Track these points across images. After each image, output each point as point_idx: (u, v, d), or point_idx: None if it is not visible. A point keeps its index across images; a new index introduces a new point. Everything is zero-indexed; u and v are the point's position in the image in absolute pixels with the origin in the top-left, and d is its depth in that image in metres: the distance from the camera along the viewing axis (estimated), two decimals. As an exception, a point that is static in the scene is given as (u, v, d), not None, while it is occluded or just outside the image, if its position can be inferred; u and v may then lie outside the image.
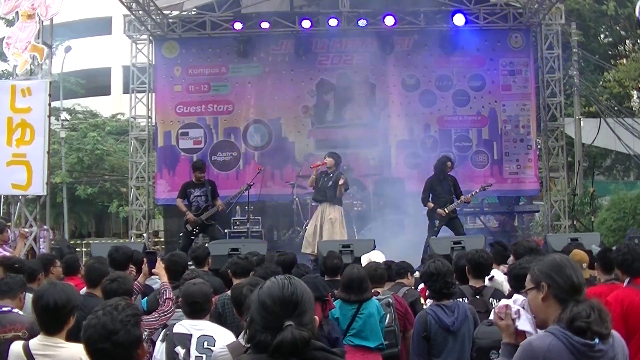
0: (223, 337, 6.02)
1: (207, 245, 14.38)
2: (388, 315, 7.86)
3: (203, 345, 5.96)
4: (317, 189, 15.05)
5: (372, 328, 7.54)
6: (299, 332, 3.13)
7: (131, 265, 9.20)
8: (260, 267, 8.53)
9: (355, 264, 8.88)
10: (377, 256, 10.11)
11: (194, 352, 5.96)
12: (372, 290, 8.13)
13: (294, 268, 9.14)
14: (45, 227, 14.66)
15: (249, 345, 3.28)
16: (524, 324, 4.29)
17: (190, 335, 6.06)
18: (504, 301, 4.58)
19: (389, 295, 8.15)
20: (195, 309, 6.22)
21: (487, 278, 7.88)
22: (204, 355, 5.92)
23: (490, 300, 7.51)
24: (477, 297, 7.53)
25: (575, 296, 3.87)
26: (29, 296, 7.16)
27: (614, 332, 3.91)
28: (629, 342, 6.07)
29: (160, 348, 6.22)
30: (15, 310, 6.54)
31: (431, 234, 15.06)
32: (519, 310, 4.32)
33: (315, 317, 3.34)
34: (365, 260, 10.16)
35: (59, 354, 5.00)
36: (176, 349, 6.03)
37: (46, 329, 5.13)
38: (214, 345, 5.86)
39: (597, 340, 3.71)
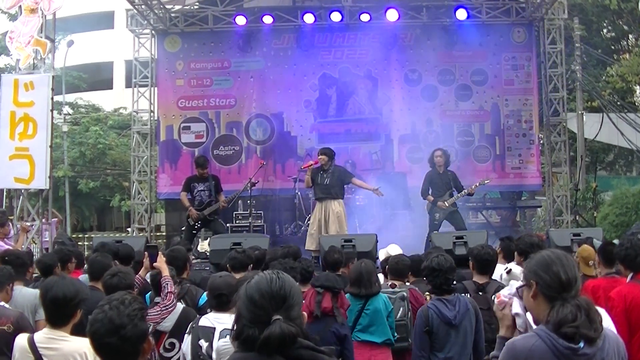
0: None
1: (208, 239, 14.44)
2: (401, 308, 7.91)
3: (225, 338, 5.99)
4: (317, 186, 14.93)
5: (378, 323, 7.57)
6: (287, 326, 3.13)
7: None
8: (278, 262, 8.51)
9: (364, 258, 8.83)
10: (394, 250, 10.11)
11: (216, 345, 6.02)
12: (390, 283, 8.18)
13: (296, 262, 9.15)
14: (53, 219, 14.71)
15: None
16: (516, 307, 4.32)
17: (214, 328, 6.15)
18: (501, 292, 4.60)
19: (405, 289, 8.17)
20: (222, 301, 6.31)
21: (504, 270, 7.87)
22: None
23: (493, 297, 7.49)
24: (480, 293, 7.52)
25: (563, 293, 3.76)
26: (16, 289, 7.18)
27: (608, 332, 3.82)
28: (632, 338, 6.07)
29: (187, 340, 6.29)
30: (2, 303, 6.55)
31: (432, 229, 15.07)
32: (511, 297, 4.35)
33: (304, 313, 3.34)
34: (382, 254, 10.19)
35: (63, 347, 5.02)
36: (200, 342, 6.12)
37: (53, 321, 5.15)
38: None
39: (581, 345, 3.61)
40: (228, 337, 5.97)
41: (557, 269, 3.84)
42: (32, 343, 5.09)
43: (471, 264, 7.87)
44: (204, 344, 6.07)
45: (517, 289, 4.35)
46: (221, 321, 6.16)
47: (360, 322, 7.55)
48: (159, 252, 7.73)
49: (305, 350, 3.19)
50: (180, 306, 7.19)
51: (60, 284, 5.16)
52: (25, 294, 7.20)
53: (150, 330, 6.16)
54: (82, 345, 4.75)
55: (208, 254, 13.73)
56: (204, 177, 15.74)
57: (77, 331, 5.07)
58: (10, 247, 11.37)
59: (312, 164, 15.05)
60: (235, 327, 3.27)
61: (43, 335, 5.12)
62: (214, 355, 5.97)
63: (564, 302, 3.72)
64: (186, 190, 15.89)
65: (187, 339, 6.29)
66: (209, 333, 6.12)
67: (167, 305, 6.95)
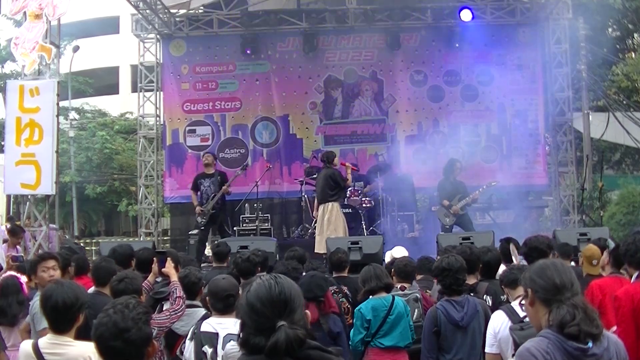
0: None
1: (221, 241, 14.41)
2: (416, 310, 7.89)
3: (232, 342, 5.86)
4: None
5: (402, 327, 7.53)
6: (292, 331, 3.08)
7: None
8: (281, 263, 8.51)
9: (374, 263, 8.78)
10: (399, 252, 10.08)
11: (220, 352, 5.89)
12: (399, 286, 8.16)
13: (305, 264, 9.15)
14: (53, 225, 14.72)
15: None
16: None
17: (217, 333, 6.01)
18: None
19: (417, 291, 8.16)
20: (229, 303, 6.14)
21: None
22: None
23: (485, 297, 7.49)
24: (471, 294, 7.42)
25: (557, 296, 3.83)
26: None
27: (609, 334, 3.87)
28: (639, 339, 6.02)
29: (189, 347, 6.22)
30: None
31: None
32: None
33: (307, 312, 3.30)
34: (388, 256, 10.16)
35: (67, 352, 5.01)
36: (204, 349, 6.00)
37: (55, 328, 5.13)
38: None
39: (590, 344, 3.65)
40: (234, 341, 5.93)
41: (551, 273, 3.94)
42: (36, 349, 5.08)
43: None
44: (208, 350, 5.94)
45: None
46: (224, 326, 6.03)
47: (383, 328, 7.50)
48: (168, 258, 7.70)
49: (314, 350, 3.16)
50: (202, 311, 7.12)
51: (59, 291, 5.14)
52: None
53: (155, 334, 6.17)
54: (87, 349, 4.75)
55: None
56: (210, 173, 15.88)
57: (82, 335, 5.07)
58: (21, 255, 11.42)
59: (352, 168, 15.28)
60: (241, 335, 3.24)
61: (47, 341, 5.11)
62: None
63: (559, 304, 3.77)
64: (194, 189, 16.14)
65: (190, 345, 6.18)
66: (212, 339, 5.98)
67: (176, 310, 6.94)
